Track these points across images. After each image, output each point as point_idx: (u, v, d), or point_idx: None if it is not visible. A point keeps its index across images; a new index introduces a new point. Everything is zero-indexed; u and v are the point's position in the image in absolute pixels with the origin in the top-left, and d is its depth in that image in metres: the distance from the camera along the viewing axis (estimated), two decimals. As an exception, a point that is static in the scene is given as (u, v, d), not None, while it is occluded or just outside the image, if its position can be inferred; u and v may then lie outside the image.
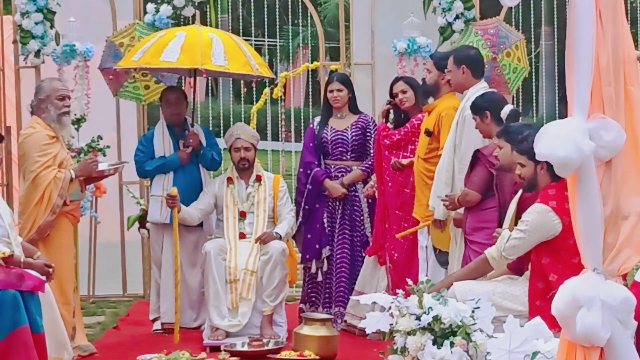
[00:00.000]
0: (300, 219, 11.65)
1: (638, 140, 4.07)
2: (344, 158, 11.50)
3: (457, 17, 12.83)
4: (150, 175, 11.66)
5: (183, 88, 12.13)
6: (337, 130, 11.52)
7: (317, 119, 11.84)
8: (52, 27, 13.05)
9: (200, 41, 10.68)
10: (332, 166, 11.52)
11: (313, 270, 11.56)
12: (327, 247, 11.51)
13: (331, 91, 11.54)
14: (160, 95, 11.88)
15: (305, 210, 11.59)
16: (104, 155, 12.30)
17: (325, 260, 11.54)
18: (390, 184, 11.04)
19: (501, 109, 9.31)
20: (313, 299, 11.67)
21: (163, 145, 11.56)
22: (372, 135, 11.46)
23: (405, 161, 10.63)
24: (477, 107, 9.34)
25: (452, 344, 6.02)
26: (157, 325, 11.61)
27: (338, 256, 11.54)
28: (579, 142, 3.91)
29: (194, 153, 11.42)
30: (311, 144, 11.65)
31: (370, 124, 11.61)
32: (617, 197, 4.03)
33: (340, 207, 11.51)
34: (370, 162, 11.40)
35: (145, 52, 10.79)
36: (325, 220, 11.54)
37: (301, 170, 11.75)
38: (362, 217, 11.55)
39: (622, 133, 3.99)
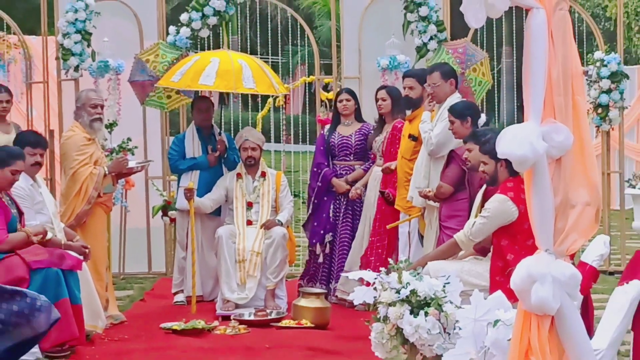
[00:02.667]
0: (309, 211, 11.93)
1: (583, 142, 4.08)
2: (348, 159, 11.73)
3: (431, 38, 12.89)
4: (182, 172, 11.77)
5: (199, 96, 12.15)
6: (343, 136, 11.73)
7: (327, 127, 12.06)
8: (88, 46, 13.06)
9: (233, 68, 10.82)
10: (339, 166, 11.77)
11: (318, 252, 11.72)
12: (330, 234, 11.73)
13: (340, 101, 11.82)
14: (192, 104, 12.11)
15: (315, 204, 11.79)
16: (133, 154, 12.31)
17: (327, 245, 11.68)
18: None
19: (479, 117, 9.64)
20: (313, 276, 11.79)
21: (193, 145, 11.78)
22: (367, 132, 11.67)
23: (393, 165, 10.69)
24: (460, 113, 9.46)
25: (426, 314, 6.02)
26: (177, 298, 11.73)
27: (340, 242, 11.72)
28: (533, 143, 3.91)
29: (220, 156, 11.63)
30: (322, 147, 11.88)
31: (371, 131, 11.72)
32: (565, 190, 4.03)
33: (345, 201, 11.73)
34: (370, 163, 11.60)
35: (184, 73, 10.95)
36: (331, 211, 11.76)
37: (314, 169, 11.97)
38: (361, 210, 11.68)
39: (570, 135, 3.99)
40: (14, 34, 13.93)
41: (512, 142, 3.94)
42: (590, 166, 4.14)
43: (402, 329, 6.06)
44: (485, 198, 8.69)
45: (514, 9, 4.04)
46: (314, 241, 11.80)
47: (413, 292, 6.05)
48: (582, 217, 4.05)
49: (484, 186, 8.81)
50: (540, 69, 3.96)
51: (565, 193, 4.02)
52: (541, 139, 3.93)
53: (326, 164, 11.75)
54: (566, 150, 4.00)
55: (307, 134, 16.15)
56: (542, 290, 3.88)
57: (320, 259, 11.72)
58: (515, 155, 3.95)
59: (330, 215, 11.72)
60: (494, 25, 13.63)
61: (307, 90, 16.00)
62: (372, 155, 11.55)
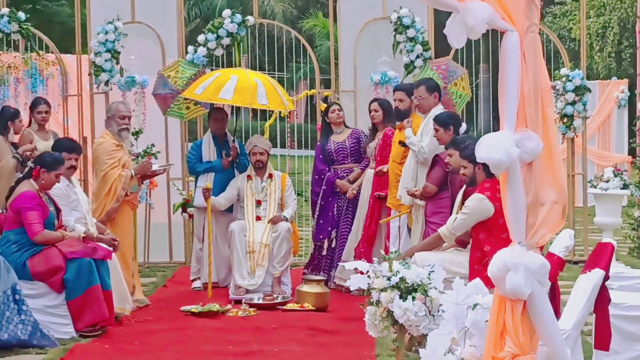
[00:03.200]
0: (316, 212, 11.95)
1: (551, 148, 4.07)
2: (346, 162, 11.79)
3: (417, 57, 12.91)
4: (199, 174, 11.78)
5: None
6: (338, 143, 11.79)
7: (320, 139, 12.15)
8: (117, 63, 13.10)
9: (249, 85, 10.89)
10: (339, 169, 11.80)
11: (325, 246, 11.79)
12: (335, 230, 11.76)
13: (333, 111, 11.86)
14: (209, 114, 12.11)
15: (321, 205, 11.82)
16: (156, 158, 12.33)
17: (334, 241, 11.80)
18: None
19: (460, 125, 9.78)
20: (317, 266, 11.85)
21: (209, 150, 11.83)
22: (361, 140, 11.78)
23: (385, 168, 10.77)
24: (444, 121, 9.59)
25: (413, 298, 6.01)
26: (195, 284, 11.82)
27: (341, 235, 11.75)
28: (508, 149, 3.91)
29: (232, 160, 11.68)
30: (320, 156, 11.94)
31: (362, 135, 11.88)
32: (536, 189, 4.03)
33: (347, 201, 11.73)
34: (366, 163, 11.65)
35: (206, 87, 11.01)
36: (335, 210, 11.79)
37: (315, 177, 12.04)
38: (355, 205, 11.74)
39: (540, 142, 3.99)
40: (52, 52, 13.90)
41: (489, 148, 3.93)
42: (558, 169, 4.13)
43: (393, 311, 6.05)
44: (465, 197, 8.77)
45: (490, 31, 4.02)
46: (321, 237, 11.81)
47: (402, 279, 6.04)
48: (551, 213, 4.05)
49: (464, 186, 8.90)
50: (513, 83, 3.96)
51: (535, 193, 4.02)
52: (514, 146, 3.93)
53: (327, 169, 11.78)
54: (536, 155, 4.00)
55: (309, 140, 16.15)
56: (516, 277, 3.88)
57: (324, 252, 11.75)
58: (492, 159, 3.95)
59: (335, 214, 11.75)
60: (473, 45, 13.62)
61: (308, 102, 15.95)
62: (366, 159, 11.56)
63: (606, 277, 7.17)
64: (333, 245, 11.73)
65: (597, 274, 7.16)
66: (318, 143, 12.19)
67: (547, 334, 3.94)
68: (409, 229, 10.46)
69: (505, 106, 3.96)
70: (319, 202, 11.84)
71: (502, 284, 3.91)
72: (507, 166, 3.92)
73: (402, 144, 10.46)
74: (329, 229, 11.72)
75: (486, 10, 3.88)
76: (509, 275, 3.89)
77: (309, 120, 16.73)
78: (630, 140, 17.10)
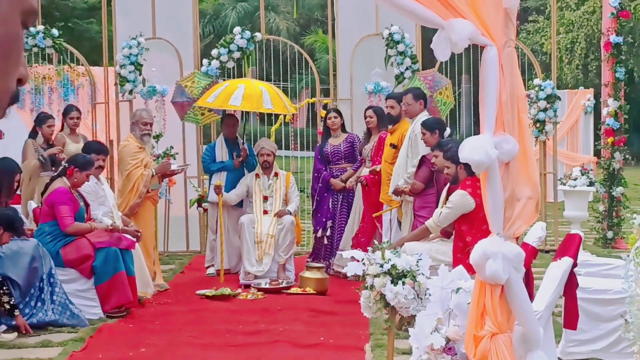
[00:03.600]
0: (314, 206, 12.04)
1: (526, 150, 4.07)
2: (340, 162, 11.81)
3: (406, 69, 12.91)
4: (213, 173, 11.81)
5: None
6: (334, 146, 11.85)
7: (319, 141, 12.22)
8: (140, 74, 13.10)
9: (255, 92, 10.97)
10: (334, 169, 11.80)
11: (319, 235, 11.89)
12: (330, 221, 11.79)
13: (329, 118, 11.89)
14: (221, 120, 12.12)
15: (317, 200, 11.88)
16: (174, 159, 12.34)
17: (329, 229, 11.74)
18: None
19: (444, 130, 9.90)
20: (318, 254, 11.89)
21: (221, 152, 11.87)
22: (357, 146, 11.75)
23: (378, 168, 10.81)
24: (430, 126, 9.66)
25: (403, 283, 6.00)
26: (209, 271, 11.83)
27: (338, 227, 11.81)
28: (488, 150, 3.90)
29: (242, 161, 11.71)
30: (319, 157, 12.01)
31: (356, 139, 11.89)
32: (512, 186, 4.02)
33: (341, 196, 11.83)
34: (358, 164, 11.67)
35: (217, 96, 11.07)
36: (330, 204, 11.82)
37: (315, 174, 12.08)
38: (351, 200, 11.83)
39: (516, 144, 3.99)
40: (82, 65, 13.91)
41: (471, 150, 3.93)
42: (532, 168, 4.14)
43: (385, 295, 6.04)
44: (448, 193, 8.78)
45: (471, 45, 4.02)
46: (318, 228, 11.85)
47: (393, 266, 6.03)
48: (526, 208, 4.05)
49: (448, 184, 8.92)
50: (493, 92, 3.96)
51: (512, 189, 4.01)
52: (493, 148, 3.92)
53: (324, 169, 11.81)
54: (513, 156, 3.99)
55: (310, 143, 16.18)
56: (494, 265, 3.88)
57: (325, 241, 11.78)
58: (473, 160, 3.95)
59: (330, 207, 11.76)
60: (456, 58, 13.62)
61: (310, 109, 15.89)
62: (362, 160, 11.57)
63: (574, 265, 7.18)
64: (328, 234, 11.74)
65: (567, 261, 7.17)
66: (318, 145, 12.24)
67: (522, 315, 3.94)
68: (399, 222, 10.48)
69: (485, 112, 3.96)
70: (315, 197, 11.91)
71: (482, 271, 3.91)
72: (487, 166, 3.92)
73: (393, 146, 10.55)
74: (324, 220, 11.76)
75: (468, 28, 3.88)
76: (489, 263, 3.89)
77: (310, 125, 16.71)
78: (596, 143, 17.06)
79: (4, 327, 8.77)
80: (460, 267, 4.76)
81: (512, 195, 4.01)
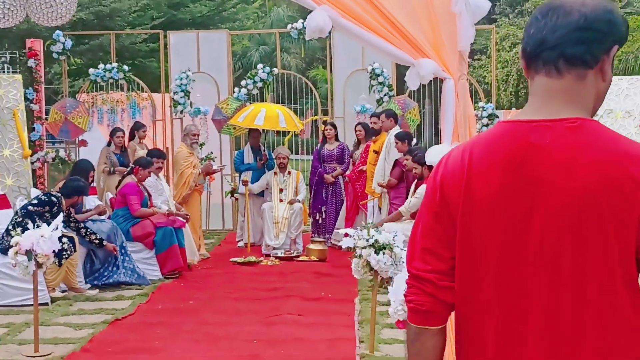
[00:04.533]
0: (311, 196, 11.94)
1: None
2: (332, 163, 11.70)
3: (385, 95, 12.95)
4: (242, 172, 11.74)
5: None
6: (329, 150, 11.75)
7: (319, 146, 12.06)
8: (188, 99, 13.09)
9: (273, 114, 10.95)
10: (327, 167, 11.67)
11: (317, 218, 11.76)
12: (324, 207, 11.66)
13: (327, 129, 11.87)
14: (249, 132, 11.96)
15: (314, 191, 11.79)
16: (214, 161, 12.34)
17: (323, 213, 11.65)
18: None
19: (412, 140, 10.15)
20: (317, 231, 11.79)
21: (248, 156, 11.81)
22: (347, 152, 11.75)
23: (364, 168, 10.82)
24: (402, 137, 9.78)
25: (383, 253, 5.99)
26: (239, 244, 11.75)
27: (328, 211, 11.73)
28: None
29: (264, 163, 11.65)
30: (316, 157, 11.89)
31: (346, 147, 11.85)
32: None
33: (332, 188, 11.70)
34: (346, 165, 11.67)
35: (246, 117, 11.06)
36: (324, 194, 11.72)
37: (312, 170, 11.96)
38: (341, 192, 11.74)
39: None
40: (145, 92, 13.90)
41: (435, 154, 3.91)
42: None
43: (370, 262, 6.03)
44: (415, 187, 8.82)
45: (433, 78, 3.98)
46: (314, 212, 11.78)
47: (376, 240, 6.02)
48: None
49: (415, 180, 8.93)
50: (450, 113, 3.93)
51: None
52: (451, 153, 3.91)
53: (320, 167, 11.75)
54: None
55: (312, 149, 16.27)
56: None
57: (320, 221, 11.72)
58: (436, 162, 3.92)
59: (324, 196, 11.69)
60: (421, 87, 13.60)
61: (313, 124, 15.82)
62: (350, 162, 11.60)
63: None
64: (323, 216, 11.70)
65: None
66: (316, 149, 12.22)
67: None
68: (380, 208, 10.49)
69: (445, 127, 3.93)
70: (313, 188, 11.85)
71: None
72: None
73: (376, 152, 10.56)
74: (319, 206, 11.70)
75: (432, 65, 3.86)
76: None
77: (313, 136, 16.62)
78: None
79: (88, 286, 8.81)
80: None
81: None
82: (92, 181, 9.92)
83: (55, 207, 8.24)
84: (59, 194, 8.48)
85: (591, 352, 1.88)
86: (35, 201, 8.35)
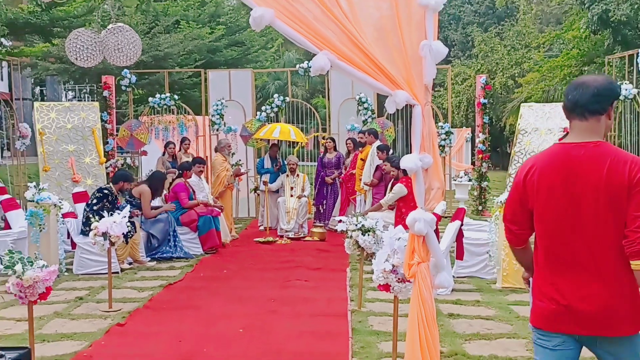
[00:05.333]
0: (315, 192, 11.84)
1: (437, 162, 4.01)
2: (332, 169, 11.60)
3: (369, 117, 12.87)
4: (262, 174, 11.69)
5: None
6: (329, 158, 11.67)
7: (321, 155, 11.96)
8: (222, 119, 13.07)
9: (286, 130, 10.88)
10: (327, 172, 11.60)
11: (319, 209, 11.69)
12: (324, 201, 11.61)
13: (328, 142, 11.83)
14: (270, 146, 11.93)
15: (317, 189, 11.72)
16: (241, 166, 12.24)
17: (324, 205, 11.63)
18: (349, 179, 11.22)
19: (389, 150, 10.14)
20: (319, 218, 11.69)
21: (267, 163, 11.74)
22: (343, 160, 11.64)
23: (354, 172, 10.81)
24: (382, 149, 9.93)
25: (368, 234, 6.00)
26: (260, 228, 11.70)
27: (328, 204, 11.62)
28: (416, 162, 3.86)
29: (279, 168, 11.60)
30: (320, 164, 11.79)
31: (342, 156, 11.74)
32: (429, 181, 3.98)
33: (330, 187, 11.59)
34: (340, 170, 11.57)
35: (265, 132, 11.02)
36: (324, 192, 11.63)
37: (317, 173, 11.88)
38: (337, 190, 11.63)
39: (432, 159, 3.93)
40: (190, 115, 13.89)
41: (407, 161, 3.89)
42: (440, 172, 4.07)
43: (358, 241, 6.04)
44: (392, 186, 8.77)
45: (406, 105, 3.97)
46: (317, 205, 11.71)
47: (363, 225, 6.03)
48: (437, 193, 4.00)
49: (392, 180, 8.90)
50: (418, 130, 3.92)
51: (429, 183, 3.96)
52: (419, 161, 3.89)
53: (322, 171, 11.66)
54: (429, 165, 3.94)
55: (315, 158, 16.22)
56: (419, 224, 3.83)
57: (321, 211, 11.65)
58: (409, 167, 3.89)
59: (324, 193, 11.60)
60: (397, 111, 13.58)
61: (315, 139, 15.83)
62: (345, 167, 11.55)
63: (461, 224, 7.20)
64: (324, 208, 11.61)
65: (457, 223, 7.18)
66: (319, 158, 12.13)
67: (434, 252, 3.91)
68: (365, 201, 10.48)
69: (414, 142, 3.92)
70: (316, 187, 11.76)
71: (413, 228, 3.88)
72: (416, 170, 3.89)
73: (362, 160, 10.59)
74: (321, 200, 11.62)
75: (405, 95, 3.85)
76: (416, 224, 3.86)
77: (315, 147, 16.61)
78: (472, 158, 17.06)
79: (148, 259, 8.81)
80: (400, 227, 4.74)
81: (429, 186, 3.97)
82: (163, 187, 9.63)
83: (110, 196, 8.29)
84: (108, 185, 8.52)
85: (607, 266, 2.71)
86: (95, 200, 8.32)
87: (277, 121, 13.18)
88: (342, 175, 11.49)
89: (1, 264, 4.37)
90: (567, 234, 2.76)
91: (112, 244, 6.42)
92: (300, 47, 4.03)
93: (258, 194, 12.40)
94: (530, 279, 3.03)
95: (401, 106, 3.88)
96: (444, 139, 12.88)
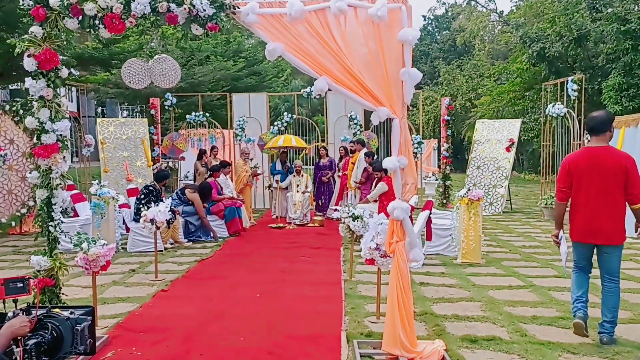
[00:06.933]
0: (314, 190, 11.66)
1: (411, 163, 3.99)
2: (326, 171, 11.50)
3: (358, 130, 12.80)
4: (274, 175, 11.56)
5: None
6: (324, 163, 11.60)
7: (317, 160, 11.93)
8: (243, 132, 12.98)
9: (288, 138, 10.97)
10: (322, 173, 11.52)
11: (318, 202, 11.58)
12: (322, 196, 11.54)
13: (322, 149, 11.75)
14: (280, 153, 11.79)
15: (317, 187, 11.60)
16: (258, 169, 12.21)
17: (322, 199, 11.55)
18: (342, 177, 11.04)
19: (374, 156, 10.08)
20: (318, 209, 11.57)
21: (278, 166, 11.61)
22: (335, 164, 11.54)
23: (346, 173, 10.76)
24: (368, 155, 9.95)
25: (357, 221, 5.98)
26: (273, 217, 11.57)
27: (325, 198, 11.54)
28: (395, 162, 3.86)
29: (287, 170, 11.46)
30: (316, 167, 11.76)
31: (334, 160, 11.68)
32: (405, 177, 3.96)
33: (326, 186, 11.52)
34: (334, 171, 11.50)
35: (274, 141, 11.10)
36: (322, 189, 11.55)
37: (315, 175, 11.78)
38: (332, 187, 11.55)
39: (407, 160, 3.93)
40: (219, 129, 13.86)
41: (389, 162, 3.88)
42: (413, 171, 4.02)
43: (349, 226, 6.02)
44: (375, 183, 8.67)
45: (387, 119, 3.96)
46: (316, 199, 11.62)
47: (353, 213, 6.00)
48: (411, 188, 3.99)
49: (376, 179, 8.81)
50: (397, 139, 3.91)
51: (405, 179, 3.95)
52: (397, 161, 3.87)
53: (318, 173, 11.58)
54: (405, 165, 3.92)
55: (314, 162, 16.22)
56: (397, 211, 3.83)
57: (320, 204, 11.56)
58: (389, 166, 3.87)
59: (322, 190, 11.52)
60: (379, 125, 13.55)
61: (316, 148, 15.81)
62: (339, 169, 11.48)
63: (430, 213, 7.18)
64: (322, 202, 11.53)
65: (427, 212, 7.16)
66: (316, 162, 12.09)
67: (409, 233, 3.90)
68: (355, 196, 10.44)
69: (394, 147, 3.91)
70: (315, 185, 11.65)
71: (392, 214, 3.88)
72: (394, 169, 3.87)
73: (353, 163, 10.51)
74: (320, 195, 11.53)
75: (387, 111, 3.84)
76: (395, 211, 3.86)
77: (315, 154, 16.57)
78: (439, 163, 17.01)
79: (186, 240, 8.78)
80: (382, 214, 4.74)
81: (405, 182, 3.95)
82: (210, 195, 9.30)
83: (155, 192, 8.28)
84: (153, 183, 8.49)
85: (610, 212, 4.05)
86: (142, 195, 8.32)
87: (287, 133, 13.18)
88: (338, 175, 11.41)
89: (71, 243, 4.37)
90: (590, 194, 4.08)
91: (157, 228, 6.40)
92: (304, 74, 4.03)
93: (271, 190, 12.33)
94: (560, 233, 4.30)
95: (383, 119, 3.87)
96: (416, 148, 12.86)
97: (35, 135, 3.93)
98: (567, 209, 4.28)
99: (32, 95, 3.88)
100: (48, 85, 3.88)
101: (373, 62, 3.87)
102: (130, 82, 4.93)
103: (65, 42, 3.93)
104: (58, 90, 3.96)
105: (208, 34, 3.83)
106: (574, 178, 4.13)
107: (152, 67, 4.87)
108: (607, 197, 4.02)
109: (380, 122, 4.04)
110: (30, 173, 4.00)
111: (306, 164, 16.57)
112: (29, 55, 3.80)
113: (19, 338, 2.49)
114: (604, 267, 4.15)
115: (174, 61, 4.94)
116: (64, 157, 3.96)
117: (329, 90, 3.86)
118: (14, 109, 9.12)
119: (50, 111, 3.92)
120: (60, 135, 3.94)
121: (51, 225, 4.03)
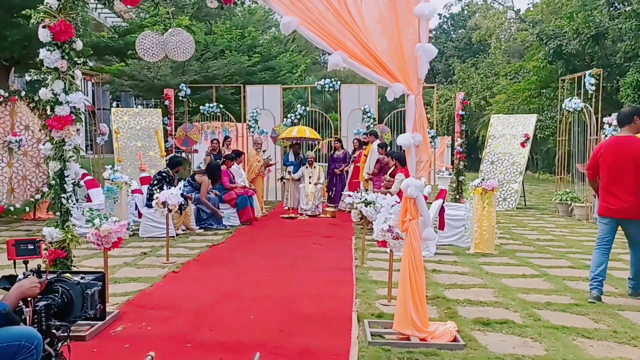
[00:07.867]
0: (327, 181, 11.71)
1: (426, 140, 3.93)
2: (340, 163, 11.46)
3: (371, 123, 12.74)
4: (287, 166, 11.56)
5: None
6: (338, 155, 11.53)
7: (332, 152, 11.89)
8: (256, 123, 12.98)
9: (302, 129, 10.96)
10: (336, 165, 11.47)
11: (330, 194, 11.61)
12: (335, 187, 11.53)
13: (336, 142, 11.70)
14: (293, 144, 11.77)
15: (329, 179, 11.65)
16: (270, 159, 12.20)
17: (334, 191, 11.54)
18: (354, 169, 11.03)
19: (387, 147, 10.10)
20: (330, 201, 11.59)
21: (291, 157, 11.61)
22: (349, 157, 11.45)
23: (359, 165, 10.74)
24: (381, 146, 9.95)
25: (369, 206, 5.93)
26: (285, 208, 11.44)
27: (337, 190, 11.51)
28: (409, 139, 3.81)
29: (300, 161, 11.45)
30: (330, 160, 11.69)
31: (348, 153, 11.60)
32: (419, 155, 3.92)
33: (339, 178, 11.48)
34: (347, 164, 11.41)
35: (287, 132, 11.18)
36: (334, 181, 11.54)
37: (328, 167, 11.77)
38: (345, 179, 11.46)
39: (422, 137, 3.88)
40: (232, 121, 13.87)
41: (403, 139, 3.82)
42: (428, 149, 4.00)
43: (362, 211, 5.97)
44: (392, 174, 8.51)
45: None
46: (329, 191, 11.62)
47: (365, 199, 5.96)
48: (425, 165, 3.94)
49: (390, 170, 8.69)
50: (411, 113, 3.86)
51: (419, 156, 3.90)
52: (412, 138, 3.82)
53: (332, 165, 11.54)
54: (420, 142, 3.87)
55: (328, 158, 16.19)
56: (411, 189, 3.79)
57: (332, 195, 11.56)
58: (404, 143, 3.83)
59: (334, 182, 11.50)
60: (391, 120, 13.45)
61: (329, 143, 15.76)
62: (352, 161, 11.41)
63: (444, 202, 7.10)
64: (334, 193, 11.51)
65: (440, 201, 7.09)
66: (330, 154, 12.04)
67: (423, 211, 3.85)
68: (366, 189, 10.38)
69: (408, 124, 3.86)
70: (328, 177, 11.65)
71: (406, 192, 3.83)
72: (409, 146, 3.81)
73: (365, 155, 10.47)
74: (333, 187, 11.53)
75: (402, 87, 3.79)
76: (409, 188, 3.81)
77: (329, 149, 16.50)
78: (452, 158, 16.87)
79: (198, 227, 8.78)
80: (395, 196, 4.68)
81: (419, 159, 3.90)
82: (220, 174, 9.31)
83: (168, 178, 8.30)
84: (166, 169, 8.51)
85: (630, 191, 4.71)
86: (155, 181, 8.34)
87: (298, 124, 13.15)
88: (351, 167, 11.35)
89: (83, 215, 4.37)
90: (615, 176, 4.75)
91: (169, 211, 6.41)
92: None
93: (284, 182, 12.31)
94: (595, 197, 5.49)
95: (398, 95, 3.80)
96: (430, 142, 12.77)
97: (49, 107, 3.94)
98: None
99: (47, 67, 3.89)
100: (62, 57, 3.89)
101: (388, 37, 3.82)
102: (144, 55, 4.92)
103: (80, 18, 3.93)
104: (72, 61, 3.96)
105: (223, 7, 3.80)
106: (602, 161, 4.81)
107: (166, 40, 4.86)
108: (629, 177, 4.70)
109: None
110: (43, 145, 4.01)
111: (317, 161, 16.63)
112: (44, 27, 3.81)
113: (28, 299, 2.47)
114: (630, 239, 4.88)
115: (188, 34, 4.92)
116: (77, 130, 3.96)
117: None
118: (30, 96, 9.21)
119: (64, 83, 3.93)
120: (74, 107, 3.95)
121: (63, 197, 4.04)
